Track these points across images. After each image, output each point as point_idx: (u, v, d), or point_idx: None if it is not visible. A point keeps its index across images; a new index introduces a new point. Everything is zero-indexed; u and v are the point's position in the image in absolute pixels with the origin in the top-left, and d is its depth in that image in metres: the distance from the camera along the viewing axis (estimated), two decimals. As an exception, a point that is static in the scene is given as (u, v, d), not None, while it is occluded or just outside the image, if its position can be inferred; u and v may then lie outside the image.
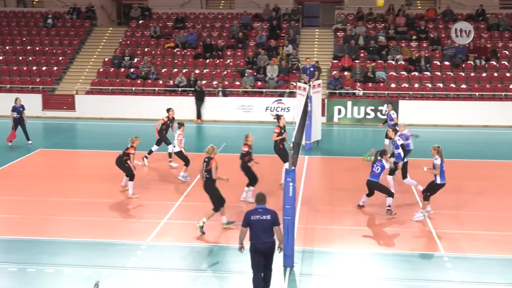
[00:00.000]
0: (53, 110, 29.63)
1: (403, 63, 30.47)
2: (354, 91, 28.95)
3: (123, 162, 16.43)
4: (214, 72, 30.75)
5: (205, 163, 13.84)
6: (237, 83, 29.91)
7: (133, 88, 29.95)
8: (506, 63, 30.18)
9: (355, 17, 34.03)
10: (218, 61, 31.40)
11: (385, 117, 22.49)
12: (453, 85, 29.07)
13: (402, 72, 30.02)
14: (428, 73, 29.77)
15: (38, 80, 31.00)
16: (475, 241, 13.58)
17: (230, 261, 12.36)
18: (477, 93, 28.57)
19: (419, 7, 35.94)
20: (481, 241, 13.53)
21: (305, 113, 19.66)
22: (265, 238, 10.13)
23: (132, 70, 30.95)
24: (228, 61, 31.47)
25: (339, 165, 20.44)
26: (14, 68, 31.70)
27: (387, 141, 20.06)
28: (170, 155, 19.72)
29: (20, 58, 32.40)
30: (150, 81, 30.30)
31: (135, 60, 31.83)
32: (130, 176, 16.44)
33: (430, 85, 29.16)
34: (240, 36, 32.45)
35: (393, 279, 11.72)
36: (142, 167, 16.86)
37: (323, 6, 38.09)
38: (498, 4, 34.71)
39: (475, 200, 15.68)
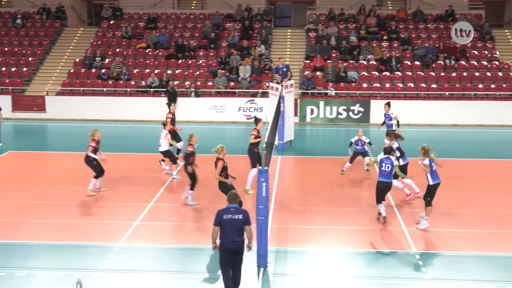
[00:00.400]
0: (23, 112, 29.22)
1: (374, 63, 30.75)
2: (326, 91, 29.12)
3: (91, 160, 16.46)
4: (186, 73, 30.66)
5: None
6: (210, 83, 29.87)
7: (105, 89, 29.71)
8: (475, 63, 30.64)
9: (327, 17, 34.24)
10: (190, 62, 31.32)
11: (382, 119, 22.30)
12: (423, 85, 29.42)
13: (374, 72, 30.30)
14: (399, 73, 30.09)
15: (7, 81, 30.56)
16: (446, 238, 13.76)
17: (202, 261, 12.34)
18: (447, 93, 28.95)
19: (390, 8, 36.31)
20: (452, 239, 13.71)
21: (278, 113, 19.71)
22: (235, 237, 10.18)
23: (103, 70, 30.70)
24: (201, 61, 31.40)
25: (312, 165, 20.54)
26: (-17, 69, 31.27)
27: (387, 141, 20.43)
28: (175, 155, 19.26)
29: (-11, 59, 31.98)
30: (121, 82, 30.09)
31: (107, 60, 31.58)
32: (97, 173, 16.51)
33: (401, 85, 29.47)
34: (212, 37, 32.41)
35: (366, 277, 11.83)
36: (104, 161, 16.82)
37: (295, 6, 38.27)
38: (467, 5, 35.27)
39: (445, 198, 15.89)
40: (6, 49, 32.65)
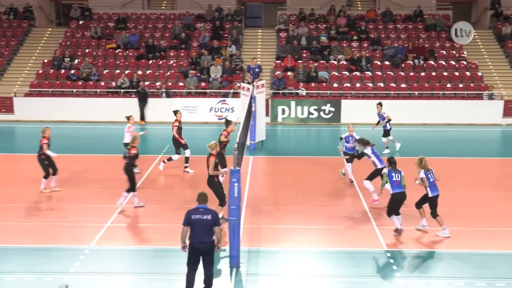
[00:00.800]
0: (-10, 113, 28.80)
1: (344, 63, 30.95)
2: (297, 91, 29.22)
3: (43, 158, 16.48)
4: (157, 73, 30.47)
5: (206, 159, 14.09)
6: (181, 84, 29.73)
7: (74, 90, 29.37)
8: (443, 63, 31.05)
9: (297, 17, 34.37)
10: (161, 62, 31.14)
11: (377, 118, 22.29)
12: (393, 85, 29.71)
13: (344, 72, 30.49)
14: (369, 73, 30.34)
15: (-26, 82, 30.08)
16: (417, 236, 13.92)
17: (173, 262, 12.28)
18: (416, 92, 29.28)
19: (360, 8, 36.58)
20: (423, 237, 13.88)
21: (249, 113, 19.72)
22: (204, 238, 10.18)
23: (72, 71, 30.34)
24: (171, 62, 31.25)
25: (284, 165, 20.59)
26: (-52, 70, 30.67)
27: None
28: (186, 160, 19.02)
29: (-45, 59, 31.38)
30: (91, 82, 29.77)
31: (76, 61, 31.23)
32: (46, 173, 16.62)
33: (371, 85, 29.72)
34: (183, 37, 32.28)
35: (338, 276, 11.91)
36: (56, 158, 16.80)
37: (266, 6, 38.33)
38: (435, 6, 35.73)
39: (415, 197, 16.03)
40: (-28, 49, 32.13)
